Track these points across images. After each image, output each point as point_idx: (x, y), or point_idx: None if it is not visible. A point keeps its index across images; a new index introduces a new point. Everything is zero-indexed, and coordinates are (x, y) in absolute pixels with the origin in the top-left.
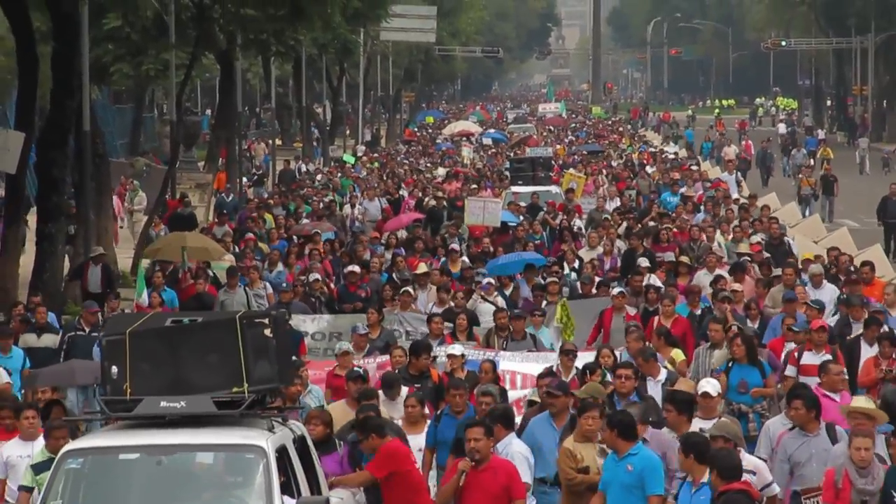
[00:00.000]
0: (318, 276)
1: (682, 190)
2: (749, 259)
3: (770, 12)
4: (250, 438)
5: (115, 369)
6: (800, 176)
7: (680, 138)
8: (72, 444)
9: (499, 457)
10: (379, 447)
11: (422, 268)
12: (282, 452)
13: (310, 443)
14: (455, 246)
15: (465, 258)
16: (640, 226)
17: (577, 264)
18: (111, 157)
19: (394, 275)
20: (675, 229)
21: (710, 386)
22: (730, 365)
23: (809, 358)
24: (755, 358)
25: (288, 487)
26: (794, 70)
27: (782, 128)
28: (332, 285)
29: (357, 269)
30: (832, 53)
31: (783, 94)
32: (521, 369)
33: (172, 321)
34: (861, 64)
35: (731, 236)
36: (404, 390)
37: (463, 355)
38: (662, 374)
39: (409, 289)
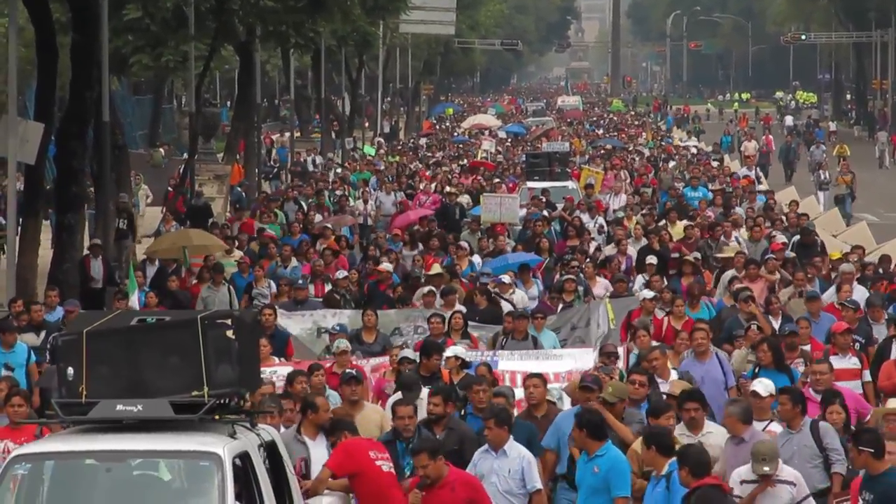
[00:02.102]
0: (345, 272)
1: (712, 186)
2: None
3: (790, 6)
4: (206, 445)
5: (70, 371)
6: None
7: (702, 132)
8: (20, 449)
9: (459, 470)
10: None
11: (435, 268)
12: (244, 459)
13: (282, 450)
14: (463, 243)
15: (476, 256)
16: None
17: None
18: (130, 148)
19: (415, 271)
20: (694, 226)
21: (761, 385)
22: (756, 371)
23: (836, 362)
24: (783, 363)
25: (250, 497)
26: (814, 64)
27: (789, 120)
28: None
29: (390, 267)
30: (852, 47)
31: (803, 87)
32: (521, 368)
33: (138, 320)
34: (881, 58)
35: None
36: (425, 391)
37: (458, 358)
38: (673, 375)
39: (433, 288)
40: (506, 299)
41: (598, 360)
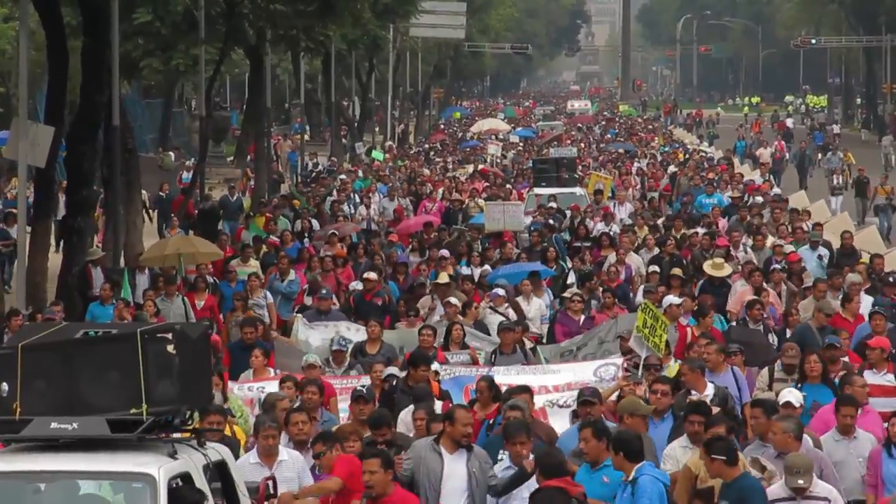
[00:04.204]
0: (360, 284)
1: (728, 194)
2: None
3: (800, 10)
4: (141, 465)
5: (4, 386)
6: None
7: (716, 137)
8: None
9: (406, 492)
10: (336, 458)
11: (443, 277)
12: (185, 480)
13: (232, 470)
14: (444, 252)
15: (486, 266)
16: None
17: (572, 278)
18: (140, 151)
19: (423, 280)
20: (705, 235)
21: (793, 396)
22: (799, 386)
23: (870, 377)
24: (827, 376)
25: None
26: (824, 68)
27: (790, 123)
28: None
29: (374, 275)
30: (862, 51)
31: (813, 91)
32: (518, 382)
33: (83, 333)
34: (891, 62)
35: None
36: (438, 404)
37: (436, 372)
38: (709, 390)
39: (454, 299)
40: (500, 313)
41: (621, 368)
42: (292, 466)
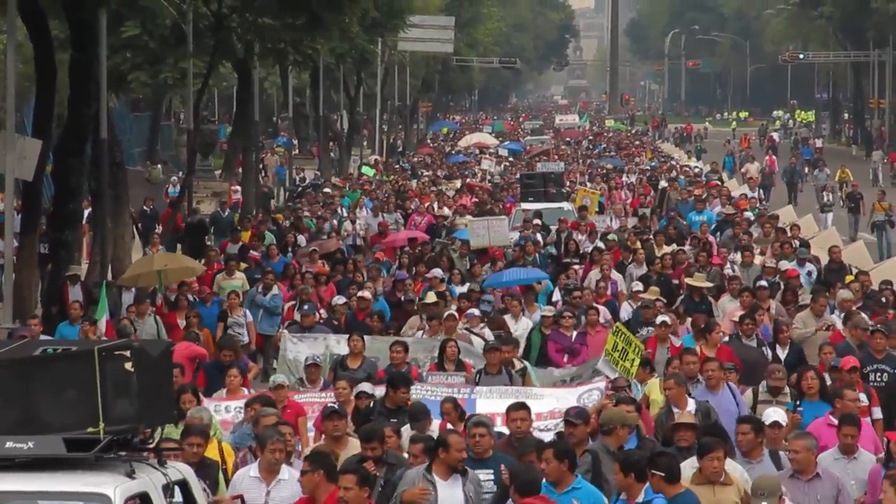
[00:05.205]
0: (343, 299)
1: (718, 209)
2: (776, 285)
3: (788, 25)
4: (95, 486)
5: None
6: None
7: (703, 152)
8: None
9: None
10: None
11: (431, 297)
12: (143, 500)
13: (195, 489)
14: (437, 272)
15: (468, 284)
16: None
17: (557, 295)
18: (128, 165)
19: (408, 295)
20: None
21: (778, 415)
22: (797, 403)
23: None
24: (827, 394)
25: None
26: (812, 83)
27: (776, 137)
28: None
29: (368, 294)
30: (850, 66)
31: (801, 106)
32: (501, 409)
33: (41, 351)
34: (879, 77)
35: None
36: (436, 423)
37: (368, 395)
38: (691, 405)
39: (454, 312)
40: (476, 334)
41: (606, 391)
42: (290, 487)
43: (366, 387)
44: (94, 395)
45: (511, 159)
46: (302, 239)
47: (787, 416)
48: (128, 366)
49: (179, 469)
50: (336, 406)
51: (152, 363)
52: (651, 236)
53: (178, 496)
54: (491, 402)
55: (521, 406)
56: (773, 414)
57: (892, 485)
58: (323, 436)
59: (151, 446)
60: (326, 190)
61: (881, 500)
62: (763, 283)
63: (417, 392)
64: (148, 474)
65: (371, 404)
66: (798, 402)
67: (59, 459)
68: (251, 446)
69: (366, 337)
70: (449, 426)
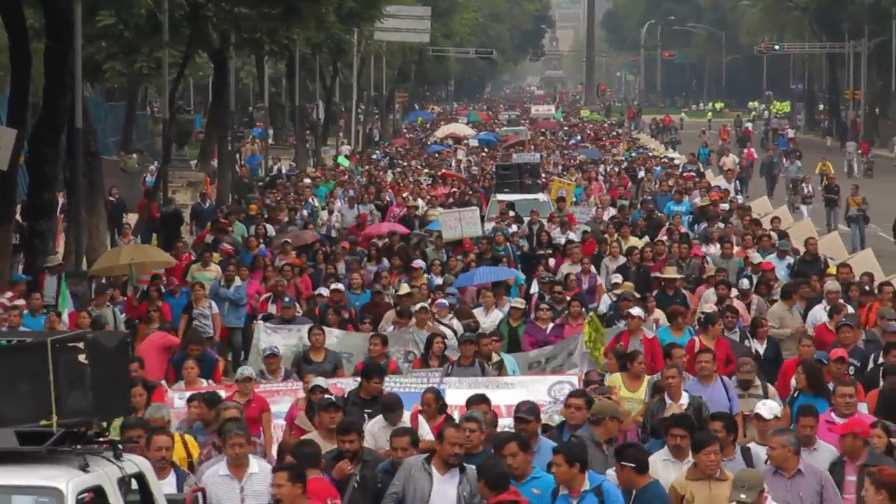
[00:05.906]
0: (325, 291)
1: (696, 200)
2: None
3: (764, 16)
4: (47, 479)
5: None
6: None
7: (678, 143)
8: None
9: None
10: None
11: (404, 288)
12: (98, 493)
13: (151, 482)
14: (419, 262)
15: (448, 275)
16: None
17: (535, 287)
18: (103, 154)
19: (377, 288)
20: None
21: (766, 408)
22: (795, 395)
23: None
24: (821, 387)
25: None
26: (788, 74)
27: (750, 127)
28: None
29: (342, 287)
30: (825, 58)
31: (776, 97)
32: (467, 398)
33: None
34: (854, 69)
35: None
36: (406, 414)
37: (321, 389)
38: (684, 399)
39: (426, 304)
40: (445, 324)
41: (579, 384)
42: (263, 480)
43: (320, 381)
44: (47, 388)
45: (486, 150)
46: (271, 229)
47: (785, 410)
48: (82, 358)
49: (136, 462)
50: (333, 398)
51: (107, 355)
52: (622, 227)
53: (135, 489)
54: (460, 393)
55: (482, 399)
56: (760, 406)
57: (873, 482)
58: (292, 431)
59: (107, 439)
60: (306, 181)
61: (862, 497)
62: (745, 281)
63: (390, 385)
64: (102, 467)
65: (346, 394)
66: (795, 395)
67: (11, 453)
68: (215, 442)
69: (342, 332)
70: (421, 419)
